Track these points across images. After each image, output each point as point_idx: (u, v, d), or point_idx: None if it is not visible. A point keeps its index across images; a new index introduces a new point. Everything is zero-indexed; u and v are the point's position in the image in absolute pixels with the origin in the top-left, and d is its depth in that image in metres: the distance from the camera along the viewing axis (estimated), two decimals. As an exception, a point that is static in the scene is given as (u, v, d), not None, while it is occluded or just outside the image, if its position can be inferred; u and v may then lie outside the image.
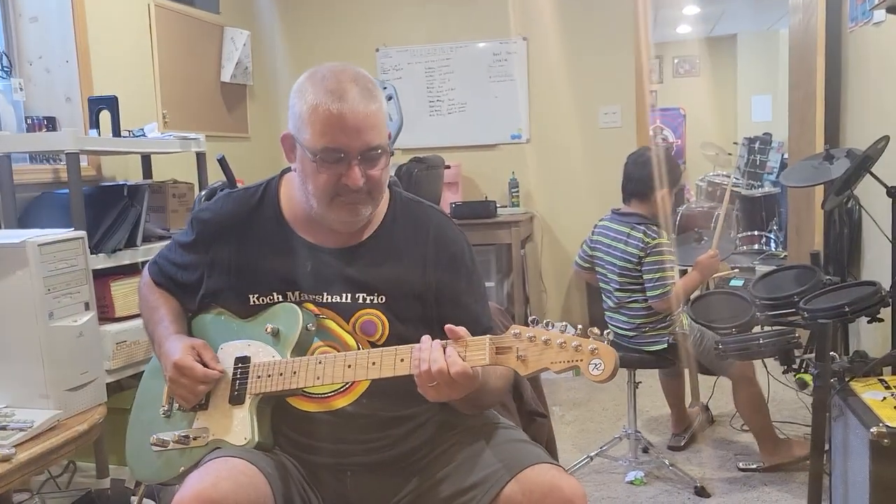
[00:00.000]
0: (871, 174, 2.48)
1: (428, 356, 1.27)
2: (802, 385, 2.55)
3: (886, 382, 2.22)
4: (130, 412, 1.58)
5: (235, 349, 1.47)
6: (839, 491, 2.24)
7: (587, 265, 2.98)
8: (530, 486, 1.31)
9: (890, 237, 2.46)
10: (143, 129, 2.95)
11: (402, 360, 1.32)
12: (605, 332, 1.21)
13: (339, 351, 1.43)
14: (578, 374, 1.22)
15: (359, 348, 1.43)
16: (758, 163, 7.56)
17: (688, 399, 3.26)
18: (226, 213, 1.53)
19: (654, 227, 2.75)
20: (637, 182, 2.79)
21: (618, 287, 2.79)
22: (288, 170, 1.55)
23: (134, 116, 3.18)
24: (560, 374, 1.22)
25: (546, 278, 4.71)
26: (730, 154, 8.51)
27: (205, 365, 1.43)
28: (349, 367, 1.36)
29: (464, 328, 1.30)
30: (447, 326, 1.30)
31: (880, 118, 3.17)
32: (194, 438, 1.43)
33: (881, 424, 1.92)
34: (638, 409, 2.94)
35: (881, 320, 2.39)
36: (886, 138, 2.45)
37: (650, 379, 3.28)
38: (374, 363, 1.35)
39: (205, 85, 4.01)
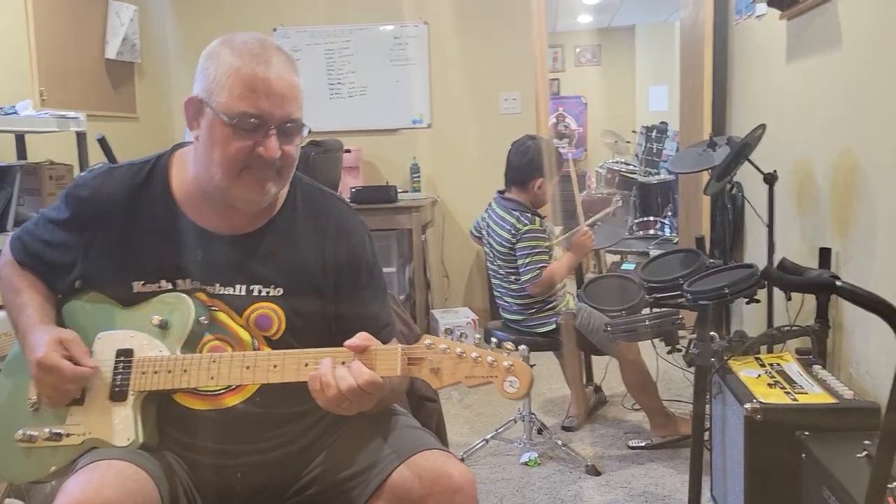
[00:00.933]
0: (750, 161, 2.59)
1: (332, 378, 1.21)
2: (691, 363, 2.65)
3: (762, 360, 2.33)
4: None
5: (115, 340, 1.35)
6: (718, 464, 2.34)
7: (478, 235, 3.09)
8: (419, 472, 1.29)
9: (765, 222, 2.58)
10: (14, 107, 2.75)
11: (306, 365, 1.26)
12: (521, 347, 1.20)
13: (231, 345, 1.35)
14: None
15: (253, 343, 1.36)
16: (654, 151, 7.83)
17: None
18: (107, 190, 1.38)
19: (528, 215, 2.83)
20: (516, 170, 2.89)
21: (498, 268, 2.87)
22: (179, 146, 1.43)
23: (6, 93, 2.97)
24: (472, 387, 1.20)
25: (448, 263, 4.73)
26: (628, 142, 8.77)
27: (74, 361, 1.30)
28: (248, 368, 1.28)
29: (368, 336, 1.25)
30: (348, 343, 1.24)
31: (760, 107, 3.32)
32: (67, 436, 1.32)
33: (755, 401, 2.02)
34: (534, 392, 2.99)
35: (758, 301, 2.51)
36: (763, 127, 2.56)
37: (547, 362, 3.34)
38: (275, 366, 1.27)
39: (87, 61, 3.79)
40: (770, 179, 2.54)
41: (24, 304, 1.40)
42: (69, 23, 3.61)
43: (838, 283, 0.92)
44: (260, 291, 1.36)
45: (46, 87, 3.38)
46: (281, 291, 1.36)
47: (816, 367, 2.24)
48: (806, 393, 2.07)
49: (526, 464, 2.79)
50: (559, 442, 2.85)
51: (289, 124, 1.29)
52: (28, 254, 1.44)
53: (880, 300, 0.93)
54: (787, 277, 1.06)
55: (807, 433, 1.92)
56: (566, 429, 3.12)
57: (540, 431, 2.95)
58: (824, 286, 0.92)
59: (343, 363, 1.23)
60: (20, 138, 3.02)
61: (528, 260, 2.78)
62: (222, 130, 1.26)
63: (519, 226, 2.79)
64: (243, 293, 1.36)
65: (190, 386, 1.31)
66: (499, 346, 1.22)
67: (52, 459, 1.33)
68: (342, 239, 1.42)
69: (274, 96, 1.26)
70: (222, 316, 1.36)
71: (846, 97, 2.40)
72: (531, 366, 2.82)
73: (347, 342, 1.24)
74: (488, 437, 2.90)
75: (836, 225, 2.49)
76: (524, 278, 2.79)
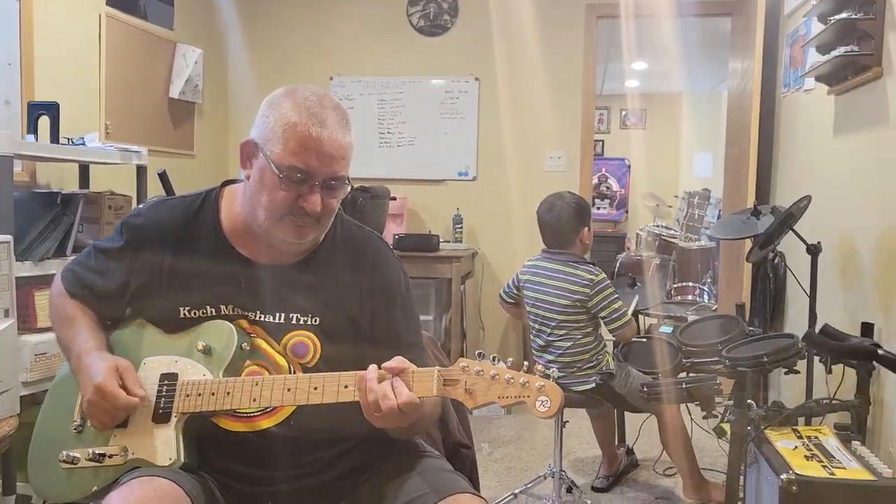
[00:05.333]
0: (794, 231, 2.60)
1: (376, 389, 1.27)
2: (721, 433, 2.62)
3: (799, 432, 2.30)
4: (35, 425, 1.49)
5: (161, 365, 1.42)
6: (751, 536, 2.29)
7: (511, 301, 3.06)
8: None
9: (808, 292, 2.57)
10: (83, 138, 2.90)
11: (346, 387, 1.31)
12: (550, 370, 1.24)
13: (269, 370, 1.41)
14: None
15: (290, 369, 1.41)
16: (696, 217, 7.81)
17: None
18: (160, 220, 1.48)
19: (592, 266, 2.84)
20: (560, 230, 2.88)
21: (554, 325, 2.84)
22: (228, 182, 1.52)
23: (75, 125, 3.12)
24: (504, 406, 1.26)
25: (484, 315, 4.75)
26: (669, 206, 8.77)
27: (126, 390, 1.36)
28: (289, 390, 1.34)
29: (403, 359, 1.30)
30: (385, 365, 1.29)
31: (805, 178, 3.33)
32: (110, 457, 1.37)
33: (791, 472, 1.99)
34: (565, 450, 2.97)
35: (797, 372, 2.48)
36: (808, 198, 2.58)
37: (580, 420, 3.32)
38: (315, 388, 1.33)
39: (152, 99, 3.97)
40: (813, 251, 2.54)
41: (78, 331, 1.47)
42: (138, 63, 3.80)
43: (880, 351, 0.94)
44: (298, 320, 1.43)
45: (112, 122, 3.55)
46: (318, 321, 1.43)
47: (855, 444, 2.20)
48: (844, 468, 2.03)
49: (553, 522, 2.76)
50: (588, 502, 2.82)
51: (333, 181, 1.38)
52: (80, 284, 1.51)
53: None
54: (829, 342, 1.07)
55: (844, 509, 1.89)
56: (596, 489, 3.08)
57: (570, 490, 2.93)
58: (866, 354, 0.93)
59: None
60: (84, 168, 3.16)
61: (615, 307, 2.79)
62: (271, 178, 1.35)
63: (593, 277, 2.79)
64: (282, 321, 1.43)
65: (232, 408, 1.36)
66: (529, 369, 1.25)
67: (94, 480, 1.38)
68: (378, 272, 1.49)
69: (323, 156, 1.34)
70: (261, 342, 1.43)
71: (893, 173, 2.40)
72: (564, 422, 2.82)
73: (385, 364, 1.29)
74: (517, 491, 2.88)
75: (880, 300, 2.47)
76: (618, 324, 2.79)
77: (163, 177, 2.78)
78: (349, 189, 1.43)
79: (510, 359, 1.28)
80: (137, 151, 3.07)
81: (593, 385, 2.79)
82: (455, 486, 1.38)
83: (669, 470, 3.04)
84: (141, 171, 3.12)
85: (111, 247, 1.50)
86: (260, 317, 1.43)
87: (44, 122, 2.72)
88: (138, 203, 3.03)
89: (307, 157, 1.33)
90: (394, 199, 4.31)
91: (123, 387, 1.36)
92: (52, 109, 2.71)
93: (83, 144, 2.87)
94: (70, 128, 2.95)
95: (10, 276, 1.94)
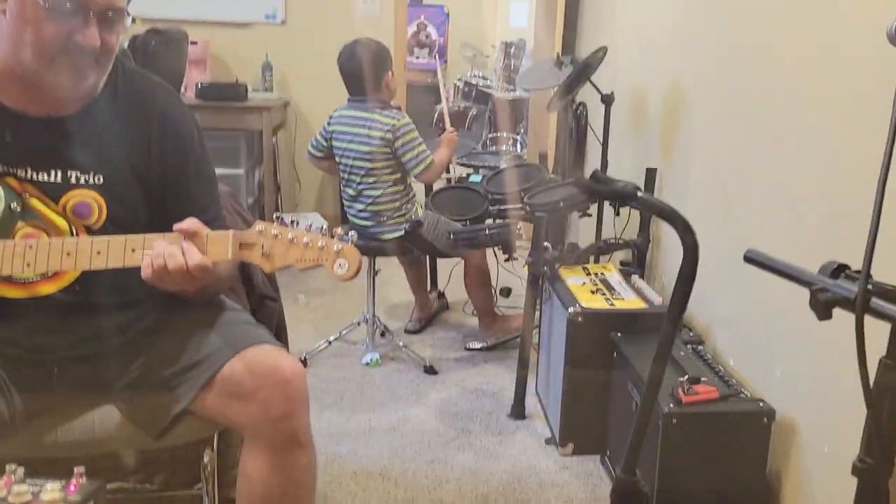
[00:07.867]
0: (591, 82, 2.71)
1: (162, 251, 1.19)
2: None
3: (588, 270, 2.52)
4: None
5: None
6: (544, 363, 2.54)
7: (320, 154, 3.00)
8: (252, 365, 1.32)
9: (600, 140, 2.73)
10: None
11: (132, 251, 1.23)
12: (350, 232, 1.23)
13: (47, 233, 1.29)
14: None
15: (72, 231, 1.31)
16: (512, 67, 7.93)
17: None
18: None
19: (396, 109, 2.83)
20: (362, 78, 2.82)
21: (364, 173, 2.83)
22: None
23: None
24: (302, 269, 1.24)
25: (299, 168, 4.63)
26: (487, 56, 8.83)
27: None
28: (69, 254, 1.24)
29: (198, 222, 1.24)
30: (177, 226, 1.22)
31: (606, 31, 3.45)
32: None
33: (577, 305, 2.19)
34: (380, 298, 3.06)
35: (590, 215, 2.68)
36: (604, 49, 2.68)
37: (393, 269, 3.41)
38: (99, 252, 1.23)
39: None
40: (607, 100, 2.67)
41: None
42: None
43: (639, 193, 1.02)
44: (78, 178, 1.31)
45: None
46: (101, 179, 1.32)
47: (635, 277, 2.46)
48: (623, 299, 2.27)
49: (367, 364, 2.89)
50: (401, 343, 2.97)
51: (110, 12, 1.23)
52: None
53: (672, 210, 1.04)
54: (594, 186, 1.16)
55: (619, 334, 2.13)
56: (409, 332, 3.23)
57: (383, 334, 3.05)
58: (627, 196, 1.01)
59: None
60: None
61: (416, 151, 2.80)
62: (35, 11, 1.18)
63: (395, 122, 2.78)
64: (59, 180, 1.30)
65: (2, 274, 1.25)
66: (329, 232, 1.25)
67: None
68: (168, 127, 1.38)
69: None
70: (36, 203, 1.30)
71: (677, 28, 2.54)
72: (376, 271, 2.88)
73: (177, 225, 1.23)
74: (332, 338, 2.96)
75: (662, 148, 2.68)
76: (418, 169, 2.81)
77: None
78: (130, 23, 1.28)
79: (310, 222, 1.26)
80: None
81: (402, 233, 2.86)
82: (252, 338, 1.38)
83: (470, 300, 3.23)
84: None
85: None
86: (31, 175, 1.29)
87: None
88: None
89: None
90: (194, 43, 3.97)
91: None
92: None
93: None
94: None
95: None
